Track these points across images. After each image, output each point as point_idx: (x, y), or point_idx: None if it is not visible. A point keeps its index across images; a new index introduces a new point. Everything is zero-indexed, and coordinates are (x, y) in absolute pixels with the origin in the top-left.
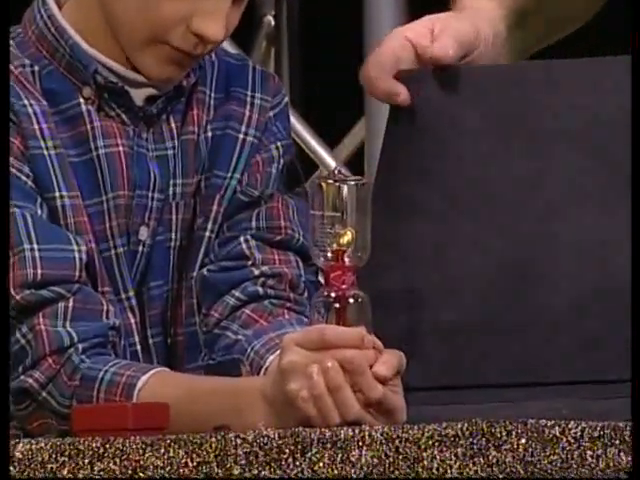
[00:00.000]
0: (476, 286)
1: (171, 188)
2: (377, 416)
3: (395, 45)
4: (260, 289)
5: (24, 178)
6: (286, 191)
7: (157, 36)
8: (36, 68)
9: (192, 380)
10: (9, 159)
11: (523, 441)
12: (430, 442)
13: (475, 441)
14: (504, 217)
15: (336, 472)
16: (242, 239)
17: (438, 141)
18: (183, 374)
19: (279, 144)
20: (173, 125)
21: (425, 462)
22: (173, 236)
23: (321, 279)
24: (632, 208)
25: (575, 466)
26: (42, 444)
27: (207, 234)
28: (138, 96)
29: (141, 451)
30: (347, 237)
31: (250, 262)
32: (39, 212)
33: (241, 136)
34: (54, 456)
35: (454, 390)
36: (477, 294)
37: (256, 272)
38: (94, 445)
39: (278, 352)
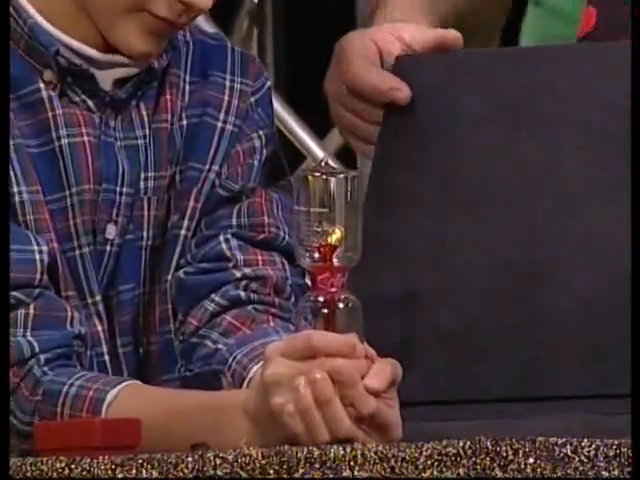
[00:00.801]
0: (478, 288)
1: (142, 182)
2: (370, 432)
3: (378, 39)
4: (242, 293)
5: None
6: (269, 185)
7: (138, 3)
8: None
9: (167, 394)
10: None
11: (531, 460)
12: (429, 462)
13: (479, 461)
14: (509, 213)
15: None
16: (222, 238)
17: (438, 131)
18: (157, 387)
19: (261, 133)
20: (144, 112)
21: None
22: (145, 235)
23: (308, 282)
24: (632, 208)
25: None
26: None
27: (183, 232)
28: (105, 79)
29: (110, 472)
30: (336, 235)
31: (231, 264)
32: None
33: (219, 124)
34: (16, 478)
35: (455, 404)
36: (479, 297)
37: (237, 274)
38: (58, 466)
39: (262, 362)
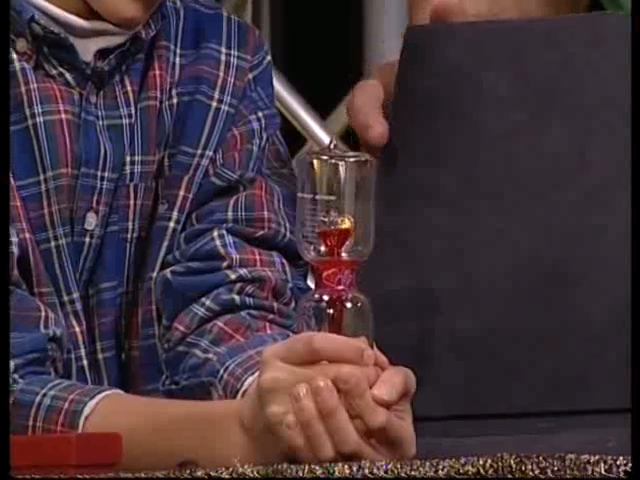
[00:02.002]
0: (500, 291)
1: (127, 166)
2: (380, 448)
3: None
4: (236, 297)
5: None
6: (270, 174)
7: None
8: None
9: (152, 404)
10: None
11: None
12: None
13: None
14: (536, 207)
15: None
16: (215, 234)
17: (456, 115)
18: (140, 397)
19: (261, 114)
20: (129, 88)
21: None
22: (129, 226)
23: (311, 282)
24: (632, 209)
25: None
26: None
27: (171, 225)
28: (86, 50)
29: None
30: (344, 226)
31: (225, 263)
32: None
33: (214, 104)
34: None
35: (475, 419)
36: (501, 301)
37: (232, 276)
38: None
39: (258, 373)
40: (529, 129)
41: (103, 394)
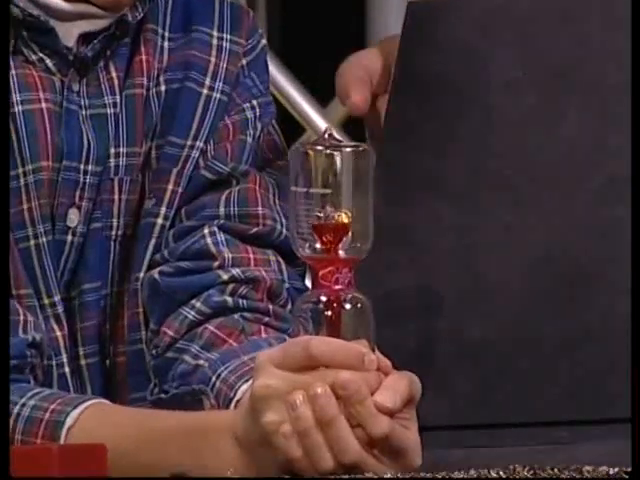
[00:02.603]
0: (514, 290)
1: (112, 159)
2: (383, 459)
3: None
4: (229, 299)
5: None
6: (265, 167)
7: None
8: None
9: (139, 414)
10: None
11: None
12: None
13: None
14: (552, 198)
15: None
16: (206, 231)
17: (465, 97)
18: (127, 407)
19: (255, 102)
20: (114, 75)
21: None
22: (114, 223)
23: (308, 282)
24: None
25: None
26: None
27: (159, 222)
28: (68, 34)
29: None
30: (342, 221)
31: (216, 262)
32: None
33: (205, 91)
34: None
35: (486, 428)
36: (515, 301)
37: (224, 276)
38: None
39: (253, 375)
40: (543, 114)
41: (87, 403)
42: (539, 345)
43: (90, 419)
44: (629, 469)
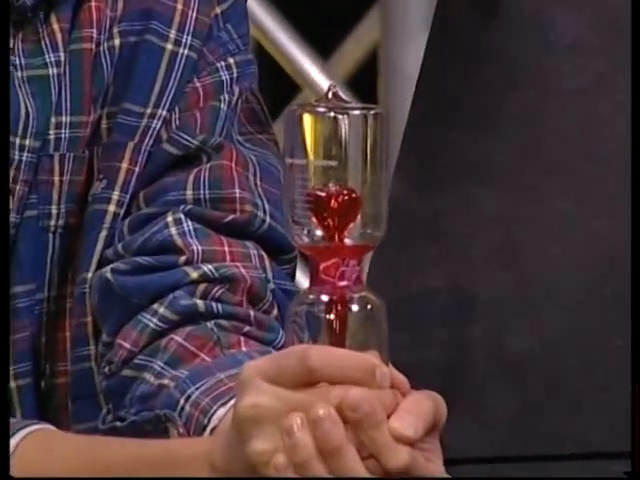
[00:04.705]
0: (567, 296)
1: (52, 131)
2: None
3: None
4: (200, 302)
5: None
6: (243, 140)
7: None
8: None
9: (92, 443)
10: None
11: None
12: None
13: None
14: (619, 184)
15: None
16: (170, 219)
17: (515, 64)
18: (77, 435)
19: (231, 61)
20: (56, 27)
21: None
22: (53, 211)
23: (304, 280)
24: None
25: None
26: None
27: (111, 209)
28: None
29: None
30: (349, 201)
31: (183, 257)
32: None
33: (169, 46)
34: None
35: (528, 461)
36: (568, 309)
37: (193, 274)
38: None
39: (232, 402)
40: (611, 84)
41: (27, 430)
42: (594, 363)
43: (31, 449)
44: None
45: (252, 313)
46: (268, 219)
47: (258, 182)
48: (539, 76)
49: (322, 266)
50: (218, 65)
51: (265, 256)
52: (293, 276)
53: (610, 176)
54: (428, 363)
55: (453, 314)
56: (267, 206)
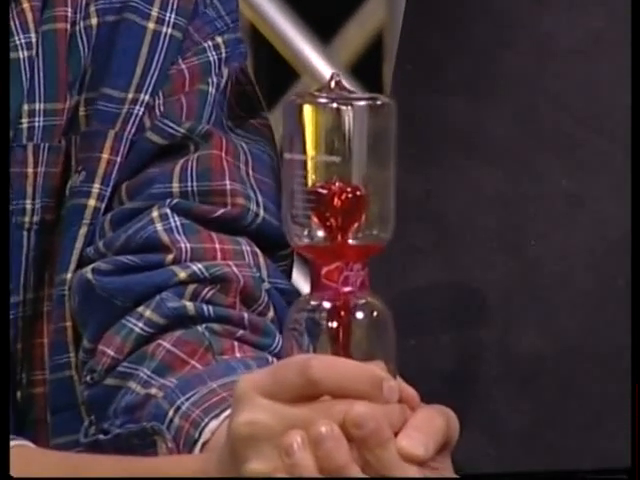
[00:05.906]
0: (583, 291)
1: (25, 119)
2: None
3: None
4: (189, 305)
5: None
6: (234, 127)
7: None
8: None
9: (73, 460)
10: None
11: None
12: None
13: None
14: (621, 160)
15: None
16: (155, 214)
17: (508, 20)
18: (57, 452)
19: (219, 40)
20: (27, 5)
21: None
22: (27, 206)
23: (303, 282)
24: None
25: None
26: None
27: (92, 203)
28: None
29: None
30: (353, 198)
31: (170, 256)
32: None
33: (151, 25)
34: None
35: (544, 478)
36: (585, 306)
37: (182, 274)
38: None
39: (226, 414)
40: (619, 43)
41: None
42: (616, 367)
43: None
44: None
45: (246, 315)
46: (262, 212)
47: (250, 172)
48: (536, 34)
49: (324, 270)
50: (205, 45)
51: (259, 253)
52: (290, 274)
53: (619, 151)
54: (436, 373)
55: (459, 314)
56: (260, 198)
